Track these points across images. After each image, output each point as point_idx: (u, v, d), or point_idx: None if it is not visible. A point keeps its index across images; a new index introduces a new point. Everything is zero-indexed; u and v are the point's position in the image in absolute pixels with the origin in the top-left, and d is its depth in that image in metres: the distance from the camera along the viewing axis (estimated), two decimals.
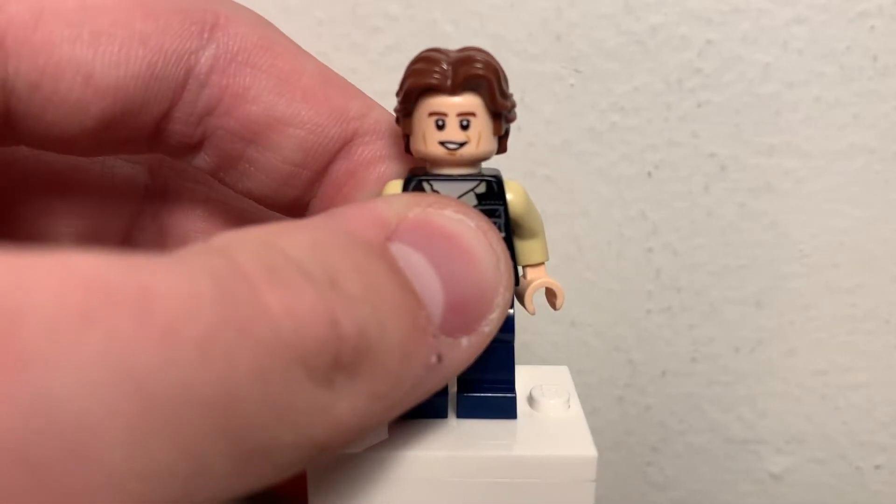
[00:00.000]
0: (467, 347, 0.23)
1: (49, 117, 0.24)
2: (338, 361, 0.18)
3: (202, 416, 0.16)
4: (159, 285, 0.16)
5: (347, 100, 0.28)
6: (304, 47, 0.38)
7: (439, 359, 0.21)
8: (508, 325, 0.28)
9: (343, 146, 0.28)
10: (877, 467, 0.43)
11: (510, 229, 0.27)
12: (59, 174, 0.29)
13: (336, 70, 0.38)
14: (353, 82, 0.38)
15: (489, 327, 0.23)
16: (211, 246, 0.18)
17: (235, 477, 0.17)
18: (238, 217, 0.31)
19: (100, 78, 0.24)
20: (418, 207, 0.23)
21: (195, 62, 0.26)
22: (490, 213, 0.27)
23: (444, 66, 0.26)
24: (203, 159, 0.28)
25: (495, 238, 0.23)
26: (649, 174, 0.40)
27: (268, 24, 0.28)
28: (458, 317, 0.22)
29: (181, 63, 0.26)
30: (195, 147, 0.28)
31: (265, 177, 0.28)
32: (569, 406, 0.29)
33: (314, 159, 0.28)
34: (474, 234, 0.23)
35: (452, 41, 0.37)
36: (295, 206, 0.30)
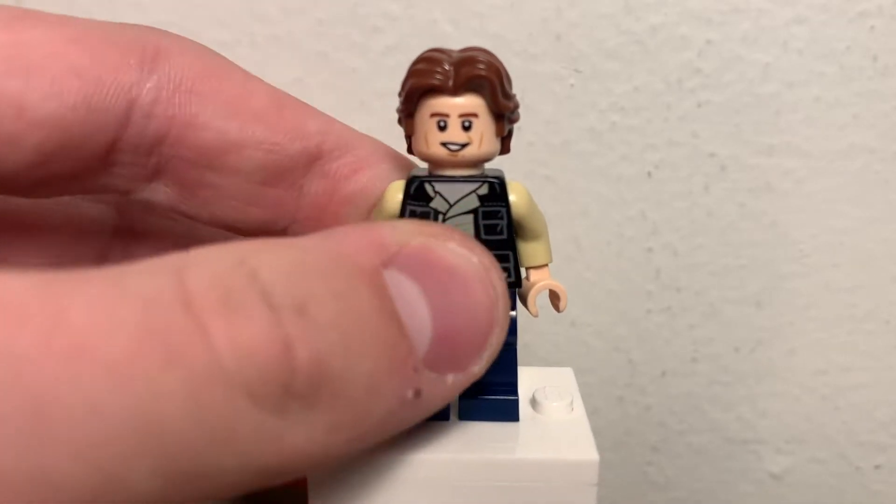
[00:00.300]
0: (452, 385, 0.22)
1: None
2: (290, 390, 0.18)
3: (116, 436, 0.16)
4: (76, 308, 0.16)
5: (304, 118, 0.28)
6: (304, 47, 0.38)
7: (417, 394, 0.21)
8: (511, 328, 0.28)
9: (309, 162, 0.28)
10: (877, 467, 0.43)
11: (513, 231, 0.27)
12: (24, 215, 0.29)
13: (336, 70, 0.38)
14: (353, 82, 0.38)
15: (478, 367, 0.22)
16: (167, 263, 0.18)
17: (168, 494, 0.17)
18: None
19: (33, 110, 0.24)
20: (422, 236, 0.22)
21: (137, 93, 0.26)
22: (492, 215, 0.27)
23: (446, 67, 0.26)
24: (163, 192, 0.28)
25: (497, 278, 0.23)
26: (649, 174, 0.40)
27: (213, 53, 0.28)
28: (446, 352, 0.21)
29: (120, 94, 0.25)
30: (151, 179, 0.28)
31: (229, 200, 0.28)
32: (572, 409, 0.28)
33: (277, 177, 0.28)
34: (475, 270, 0.22)
35: (452, 41, 0.37)
36: (267, 230, 0.29)
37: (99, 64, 0.25)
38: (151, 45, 0.26)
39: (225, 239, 0.29)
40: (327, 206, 0.29)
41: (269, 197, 0.28)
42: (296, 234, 0.29)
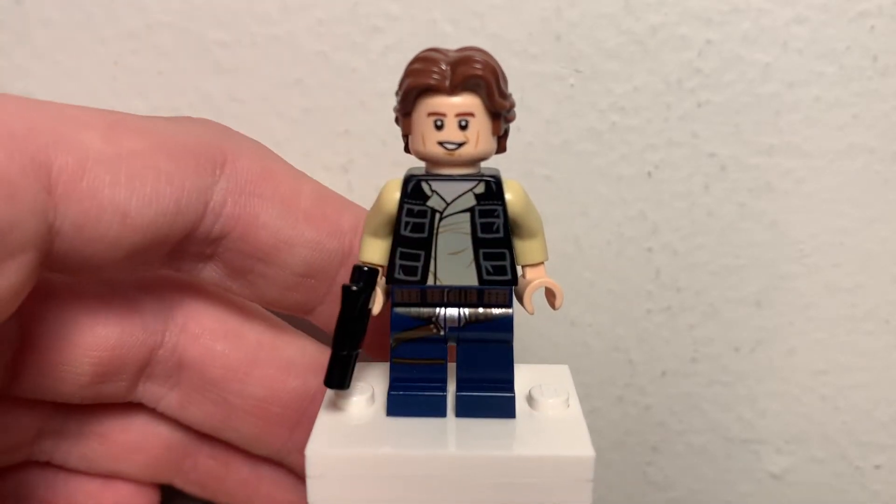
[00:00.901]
0: None
1: (88, 253, 0.27)
2: None
3: None
4: None
5: (341, 215, 0.32)
6: (304, 47, 0.38)
7: None
8: (507, 325, 0.28)
9: (342, 259, 0.32)
10: (877, 467, 0.43)
11: (509, 229, 0.27)
12: (88, 302, 0.31)
13: (336, 70, 0.38)
14: (353, 82, 0.39)
15: None
16: None
17: None
18: (254, 336, 0.34)
19: (135, 217, 0.27)
20: None
21: (210, 196, 0.29)
22: (489, 213, 0.27)
23: (443, 67, 0.26)
24: (213, 272, 0.32)
25: None
26: (649, 174, 0.40)
27: (268, 152, 0.32)
28: None
29: (200, 198, 0.29)
30: (206, 262, 0.31)
31: (272, 286, 0.32)
32: (568, 405, 0.29)
33: (317, 271, 0.31)
34: None
35: (452, 41, 0.37)
36: (299, 308, 0.33)
37: (183, 170, 0.28)
38: (219, 149, 0.30)
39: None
40: None
41: (307, 285, 0.32)
42: (322, 314, 0.33)
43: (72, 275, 0.28)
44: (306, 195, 0.31)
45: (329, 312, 0.32)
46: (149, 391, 0.33)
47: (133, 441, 0.34)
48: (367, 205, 0.29)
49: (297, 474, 0.35)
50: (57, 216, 0.26)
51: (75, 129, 0.27)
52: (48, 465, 0.34)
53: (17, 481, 0.34)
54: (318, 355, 0.34)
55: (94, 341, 0.30)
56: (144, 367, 0.32)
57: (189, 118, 0.32)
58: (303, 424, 0.33)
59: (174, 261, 0.31)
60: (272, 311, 0.35)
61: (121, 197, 0.27)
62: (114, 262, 0.28)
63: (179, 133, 0.29)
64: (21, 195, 0.24)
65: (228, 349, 0.33)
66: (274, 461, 0.35)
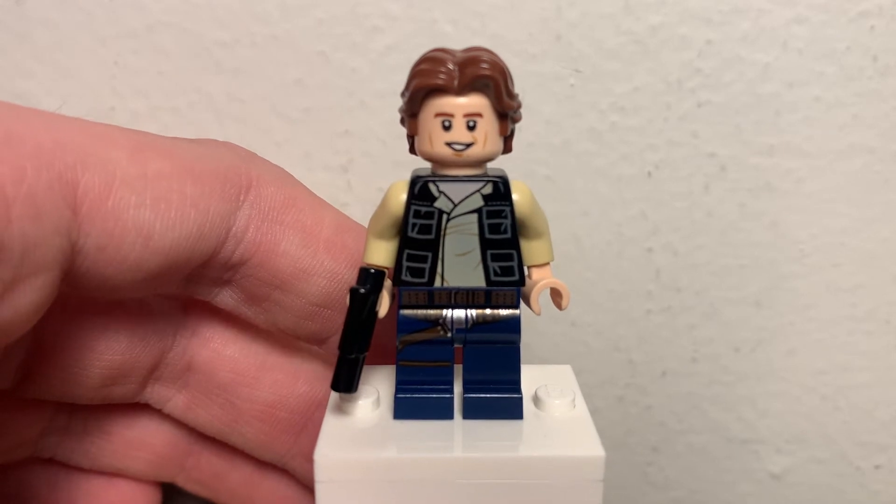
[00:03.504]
0: None
1: (108, 273, 0.27)
2: None
3: None
4: None
5: (361, 243, 0.30)
6: (304, 47, 0.38)
7: None
8: (515, 326, 0.28)
9: None
10: (877, 467, 0.43)
11: (516, 229, 0.27)
12: (101, 308, 0.31)
13: (336, 70, 0.38)
14: (353, 82, 0.38)
15: None
16: None
17: None
18: (263, 340, 0.34)
19: (158, 240, 0.27)
20: None
21: (233, 222, 0.29)
22: (497, 214, 0.27)
23: (451, 67, 0.26)
24: (230, 298, 0.31)
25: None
26: (649, 174, 0.40)
27: (292, 180, 0.32)
28: None
29: (223, 224, 0.29)
30: (223, 287, 0.31)
31: (289, 314, 0.31)
32: (574, 406, 0.29)
33: (334, 301, 0.31)
34: None
35: (452, 41, 0.37)
36: (313, 338, 0.33)
37: (209, 195, 0.28)
38: (245, 174, 0.29)
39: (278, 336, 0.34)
40: None
41: (323, 315, 0.31)
42: (335, 345, 0.31)
43: (89, 293, 0.28)
44: (327, 224, 0.31)
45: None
46: (157, 393, 0.33)
47: (137, 438, 0.34)
48: (368, 205, 0.29)
49: (300, 479, 0.35)
50: (80, 235, 0.25)
51: (103, 148, 0.26)
52: (51, 461, 0.34)
53: (20, 479, 0.34)
54: (325, 361, 0.34)
55: (105, 345, 0.30)
56: (153, 370, 0.32)
57: (214, 141, 0.31)
58: (308, 430, 0.34)
59: (191, 284, 0.31)
60: None
61: (145, 219, 0.26)
62: (133, 283, 0.27)
63: (205, 156, 0.29)
64: (47, 213, 0.24)
65: (238, 353, 0.33)
66: (277, 466, 0.35)
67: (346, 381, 0.27)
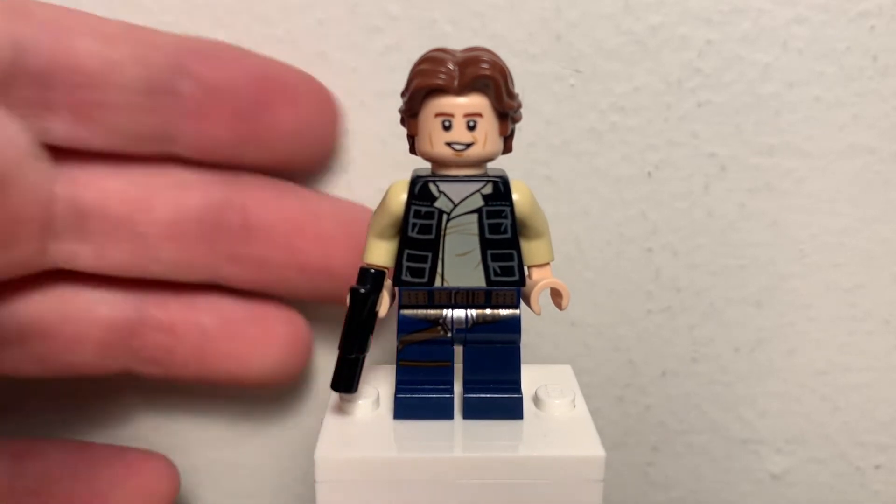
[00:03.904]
0: None
1: None
2: None
3: None
4: None
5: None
6: (304, 47, 0.38)
7: None
8: (515, 326, 0.28)
9: (171, 71, 0.33)
10: (877, 467, 0.43)
11: (516, 229, 0.27)
12: None
13: (336, 70, 0.38)
14: (352, 82, 0.38)
15: None
16: None
17: None
18: (141, 164, 0.35)
19: None
20: None
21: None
22: (497, 214, 0.27)
23: (451, 67, 0.26)
24: (60, 124, 0.32)
25: None
26: (649, 174, 0.40)
27: None
28: None
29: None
30: (49, 114, 0.32)
31: (120, 116, 0.33)
32: (574, 406, 0.29)
33: (157, 87, 0.33)
34: None
35: (452, 41, 0.37)
36: (162, 136, 0.34)
37: None
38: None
39: None
40: None
41: (160, 104, 0.33)
42: (186, 138, 0.35)
43: None
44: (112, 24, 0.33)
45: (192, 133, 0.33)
46: (60, 250, 0.33)
47: (74, 332, 0.34)
48: (368, 205, 0.29)
49: (236, 289, 0.36)
50: None
51: None
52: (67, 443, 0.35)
53: (39, 467, 0.34)
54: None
55: None
56: (46, 228, 0.32)
57: None
58: (218, 236, 0.34)
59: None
60: None
61: None
62: None
63: None
64: None
65: (123, 184, 0.33)
66: (206, 286, 0.36)
67: (346, 382, 0.27)
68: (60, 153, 0.32)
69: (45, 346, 0.34)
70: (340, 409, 0.28)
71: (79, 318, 0.34)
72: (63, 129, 0.32)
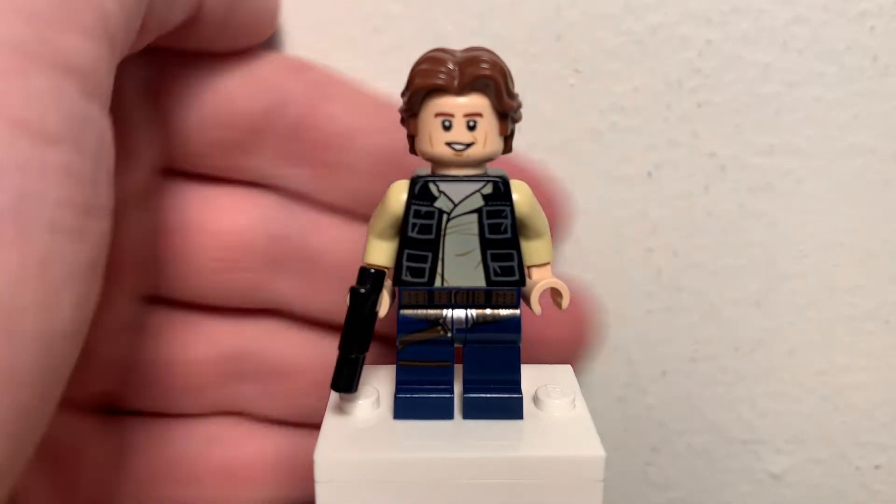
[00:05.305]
0: None
1: None
2: None
3: None
4: None
5: None
6: (304, 47, 0.38)
7: None
8: (515, 326, 0.28)
9: None
10: (877, 467, 0.43)
11: (516, 229, 0.27)
12: None
13: (336, 70, 0.38)
14: (352, 82, 0.38)
15: None
16: None
17: None
18: None
19: None
20: None
21: None
22: (497, 214, 0.27)
23: (451, 67, 0.26)
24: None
25: None
26: (649, 174, 0.40)
27: None
28: None
29: None
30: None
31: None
32: (574, 406, 0.29)
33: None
34: None
35: (452, 41, 0.37)
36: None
37: None
38: None
39: None
40: None
41: None
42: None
43: None
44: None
45: None
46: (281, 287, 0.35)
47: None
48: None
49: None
50: None
51: None
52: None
53: (122, 437, 0.36)
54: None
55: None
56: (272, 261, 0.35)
57: None
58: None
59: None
60: None
61: None
62: None
63: None
64: None
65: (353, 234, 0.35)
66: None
67: (346, 382, 0.27)
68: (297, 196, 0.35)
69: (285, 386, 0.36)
70: (340, 409, 0.28)
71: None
72: (304, 181, 0.34)
